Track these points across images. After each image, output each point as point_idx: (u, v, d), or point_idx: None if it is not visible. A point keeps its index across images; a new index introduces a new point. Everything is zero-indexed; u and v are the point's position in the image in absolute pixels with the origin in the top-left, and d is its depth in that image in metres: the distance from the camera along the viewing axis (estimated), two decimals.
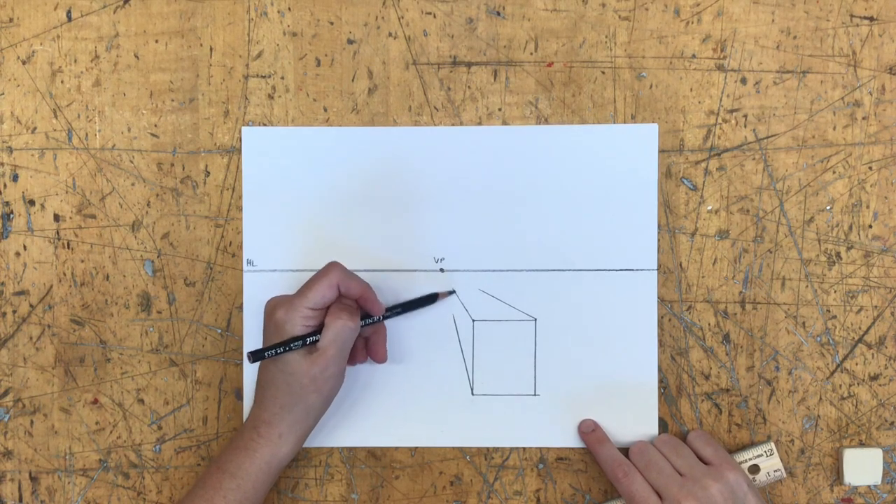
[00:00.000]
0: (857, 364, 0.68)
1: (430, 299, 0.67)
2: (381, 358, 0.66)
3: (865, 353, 0.68)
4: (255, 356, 0.61)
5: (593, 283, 0.68)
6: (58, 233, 0.69)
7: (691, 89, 0.68)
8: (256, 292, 0.68)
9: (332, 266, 0.63)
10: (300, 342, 0.61)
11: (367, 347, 0.66)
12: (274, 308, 0.63)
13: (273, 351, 0.61)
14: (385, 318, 0.66)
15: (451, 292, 0.68)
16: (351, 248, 0.68)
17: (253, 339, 0.68)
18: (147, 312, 0.69)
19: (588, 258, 0.68)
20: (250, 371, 0.68)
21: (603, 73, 0.68)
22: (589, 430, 0.67)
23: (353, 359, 0.66)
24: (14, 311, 0.69)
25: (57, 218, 0.69)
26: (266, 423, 0.63)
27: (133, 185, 0.69)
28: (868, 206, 0.68)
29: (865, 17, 0.68)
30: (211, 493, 0.62)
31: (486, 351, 0.68)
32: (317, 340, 0.62)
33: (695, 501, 0.61)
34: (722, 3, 0.68)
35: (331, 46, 0.68)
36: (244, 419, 0.68)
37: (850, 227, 0.68)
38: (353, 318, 0.62)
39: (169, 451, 0.69)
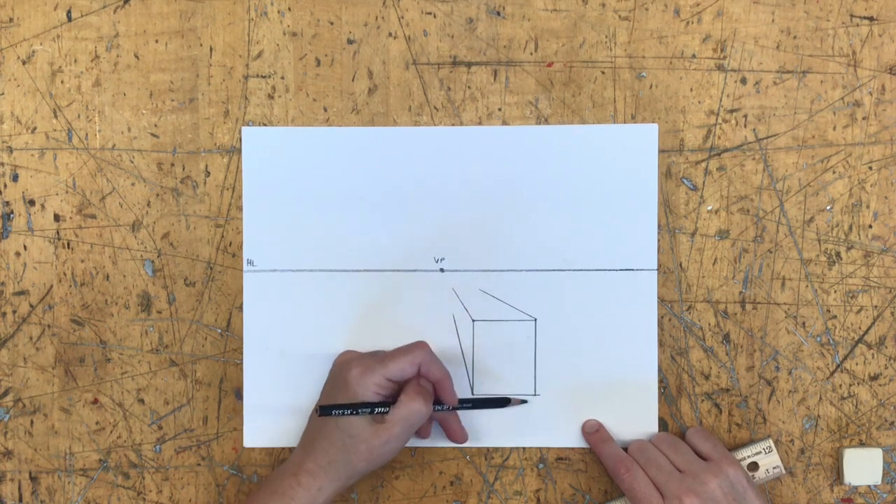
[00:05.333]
0: (857, 364, 0.68)
1: (503, 402, 0.67)
2: (460, 439, 0.66)
3: (865, 353, 0.68)
4: (323, 411, 0.61)
5: (593, 283, 0.68)
6: (58, 233, 0.69)
7: (691, 89, 0.68)
8: (256, 292, 0.68)
9: (420, 345, 0.63)
10: (370, 409, 0.61)
11: (444, 429, 0.66)
12: (348, 364, 0.63)
13: (342, 411, 0.61)
14: (455, 409, 0.65)
15: (524, 401, 0.67)
16: (351, 248, 0.68)
17: (253, 339, 0.68)
18: (147, 312, 0.69)
19: (588, 258, 0.68)
20: (250, 371, 0.68)
21: (603, 73, 0.68)
22: (593, 431, 0.67)
23: (418, 433, 0.66)
24: (14, 311, 0.69)
25: (57, 218, 0.69)
26: (309, 474, 0.62)
27: (133, 185, 0.69)
28: (868, 206, 0.68)
29: (865, 17, 0.68)
30: None
31: (486, 351, 0.68)
32: (386, 412, 0.61)
33: (695, 497, 0.61)
34: (722, 3, 0.68)
35: (331, 46, 0.68)
36: (244, 420, 0.68)
37: (850, 227, 0.68)
38: (428, 403, 0.62)
39: (169, 451, 0.69)
